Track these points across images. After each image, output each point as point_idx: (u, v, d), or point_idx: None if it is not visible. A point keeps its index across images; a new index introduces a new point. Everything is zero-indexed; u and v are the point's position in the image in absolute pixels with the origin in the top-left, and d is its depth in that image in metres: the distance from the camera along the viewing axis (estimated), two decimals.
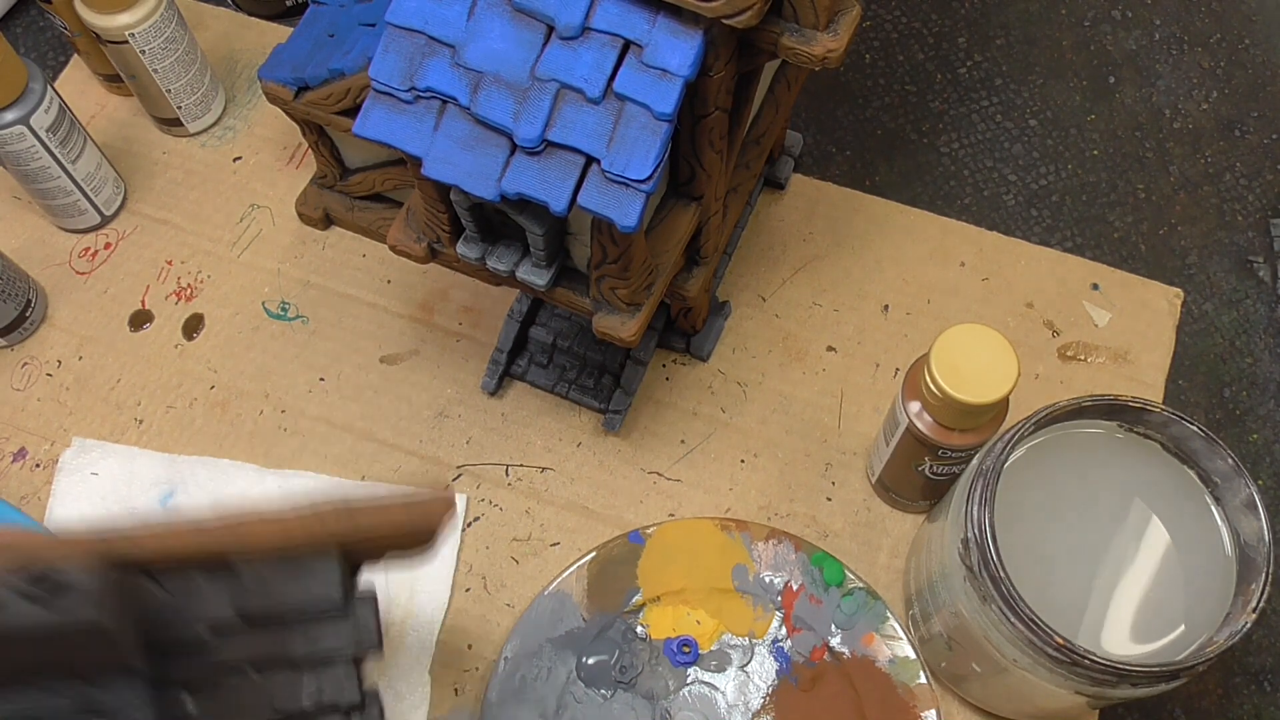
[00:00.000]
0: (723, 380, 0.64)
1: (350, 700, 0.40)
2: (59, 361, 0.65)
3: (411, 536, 0.41)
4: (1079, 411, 0.47)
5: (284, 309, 0.66)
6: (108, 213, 0.68)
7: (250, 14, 0.76)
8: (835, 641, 0.56)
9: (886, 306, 0.66)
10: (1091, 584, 0.47)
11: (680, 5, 0.39)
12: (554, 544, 0.60)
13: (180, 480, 0.61)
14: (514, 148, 0.42)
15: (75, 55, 0.74)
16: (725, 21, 0.39)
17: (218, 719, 0.39)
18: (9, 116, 0.60)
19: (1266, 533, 0.44)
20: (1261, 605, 0.43)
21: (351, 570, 0.41)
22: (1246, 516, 0.46)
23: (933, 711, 0.54)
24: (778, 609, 0.57)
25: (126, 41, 0.64)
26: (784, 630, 0.57)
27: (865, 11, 0.76)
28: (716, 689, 0.56)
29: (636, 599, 0.57)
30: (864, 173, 0.72)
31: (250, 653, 0.39)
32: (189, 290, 0.67)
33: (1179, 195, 0.71)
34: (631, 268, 0.48)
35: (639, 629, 0.57)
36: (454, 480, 0.61)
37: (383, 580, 0.58)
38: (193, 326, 0.66)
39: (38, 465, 0.62)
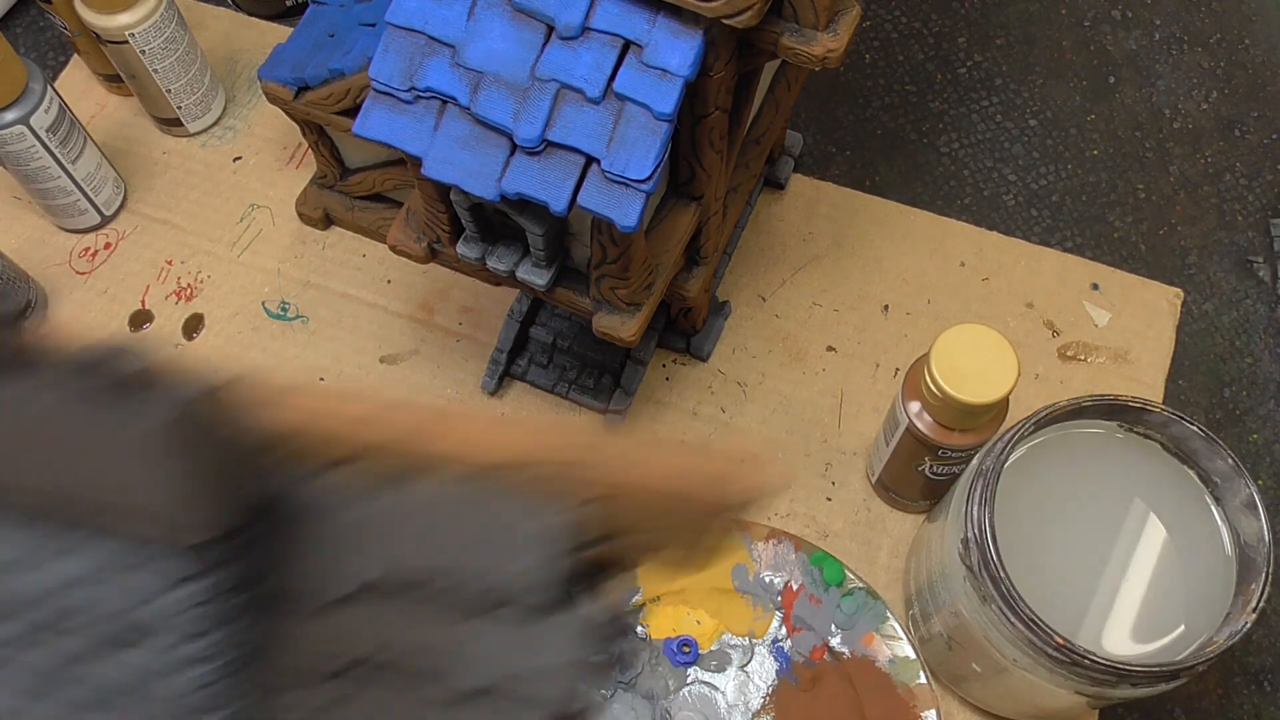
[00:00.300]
0: (723, 380, 0.64)
1: None
2: None
3: (686, 517, 0.25)
4: (1079, 411, 0.47)
5: (284, 309, 0.66)
6: (108, 213, 0.68)
7: (250, 14, 0.76)
8: (835, 641, 0.56)
9: (886, 306, 0.66)
10: (1092, 584, 0.47)
11: (680, 5, 0.39)
12: None
13: None
14: (514, 148, 0.42)
15: (75, 55, 0.74)
16: (725, 21, 0.39)
17: None
18: (9, 116, 0.60)
19: (1266, 533, 0.44)
20: (1261, 605, 0.43)
21: (583, 552, 0.24)
22: (1246, 516, 0.46)
23: (933, 711, 0.54)
24: (778, 609, 0.57)
25: (126, 41, 0.64)
26: (784, 630, 0.57)
27: (865, 11, 0.76)
28: (716, 689, 0.56)
29: (636, 599, 0.57)
30: (864, 173, 0.72)
31: (387, 654, 0.23)
32: (189, 290, 0.67)
33: (1179, 195, 0.71)
34: (631, 268, 0.48)
35: (639, 629, 0.57)
36: None
37: None
38: (193, 326, 0.66)
39: None
